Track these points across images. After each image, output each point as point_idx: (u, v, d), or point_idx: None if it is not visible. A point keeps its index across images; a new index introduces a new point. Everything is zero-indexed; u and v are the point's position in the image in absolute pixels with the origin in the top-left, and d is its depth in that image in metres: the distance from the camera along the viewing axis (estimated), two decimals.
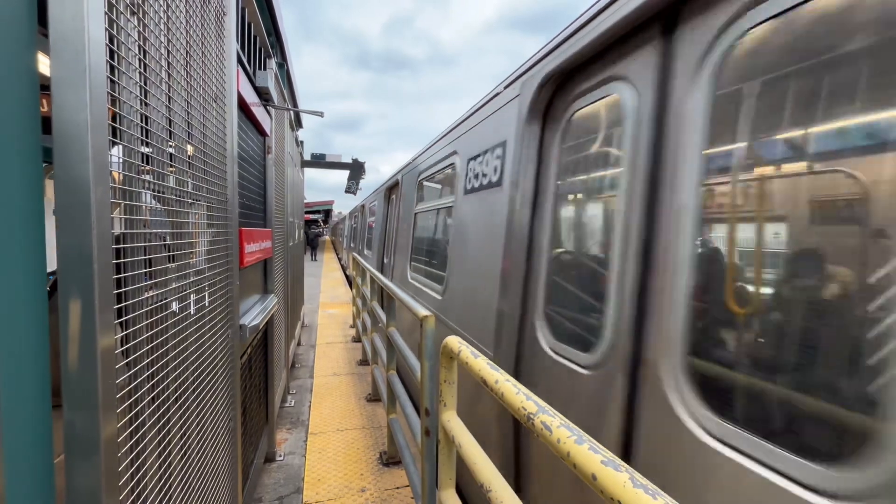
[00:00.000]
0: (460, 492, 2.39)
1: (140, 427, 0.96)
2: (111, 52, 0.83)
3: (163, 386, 1.10)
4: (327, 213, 42.45)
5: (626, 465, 0.71)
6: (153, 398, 1.04)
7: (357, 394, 4.30)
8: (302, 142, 7.37)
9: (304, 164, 9.01)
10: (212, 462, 1.51)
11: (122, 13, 0.87)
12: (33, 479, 0.73)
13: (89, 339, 0.75)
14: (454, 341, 1.46)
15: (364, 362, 5.25)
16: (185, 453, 1.27)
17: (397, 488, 2.72)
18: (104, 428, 0.77)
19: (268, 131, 2.84)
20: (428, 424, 1.89)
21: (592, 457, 0.74)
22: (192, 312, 1.35)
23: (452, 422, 1.50)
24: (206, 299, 1.49)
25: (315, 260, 21.59)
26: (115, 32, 0.84)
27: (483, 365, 1.23)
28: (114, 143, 0.86)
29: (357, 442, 3.32)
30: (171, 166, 1.18)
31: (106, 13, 0.78)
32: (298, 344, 5.99)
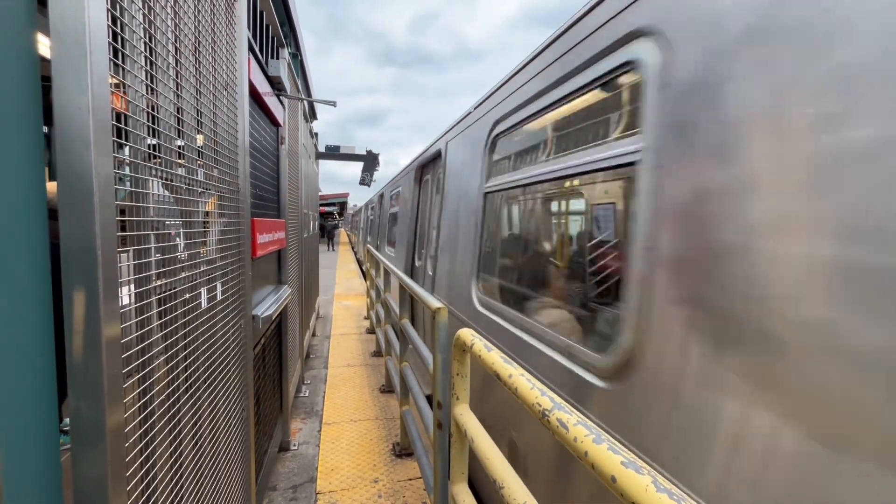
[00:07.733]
0: (473, 486, 2.38)
1: (150, 416, 0.96)
2: (114, 35, 0.81)
3: (173, 375, 1.09)
4: (342, 206, 42.86)
5: (648, 466, 0.67)
6: (163, 387, 1.04)
7: (371, 385, 4.32)
8: (316, 133, 7.37)
9: (319, 155, 9.05)
10: (224, 451, 1.51)
11: None
12: (39, 466, 0.73)
13: (93, 327, 0.73)
14: (467, 333, 1.42)
15: (377, 353, 5.27)
16: (196, 442, 1.27)
17: (409, 480, 2.72)
18: (110, 417, 0.76)
19: (281, 122, 2.82)
20: (440, 417, 1.86)
21: (612, 457, 0.70)
22: (203, 302, 1.35)
23: (465, 415, 1.47)
24: (219, 289, 1.48)
25: (333, 250, 22.03)
26: (118, 14, 0.81)
27: (496, 358, 1.20)
28: (119, 130, 0.84)
29: (370, 433, 3.33)
30: (181, 154, 1.17)
31: None
32: (313, 335, 6.05)
